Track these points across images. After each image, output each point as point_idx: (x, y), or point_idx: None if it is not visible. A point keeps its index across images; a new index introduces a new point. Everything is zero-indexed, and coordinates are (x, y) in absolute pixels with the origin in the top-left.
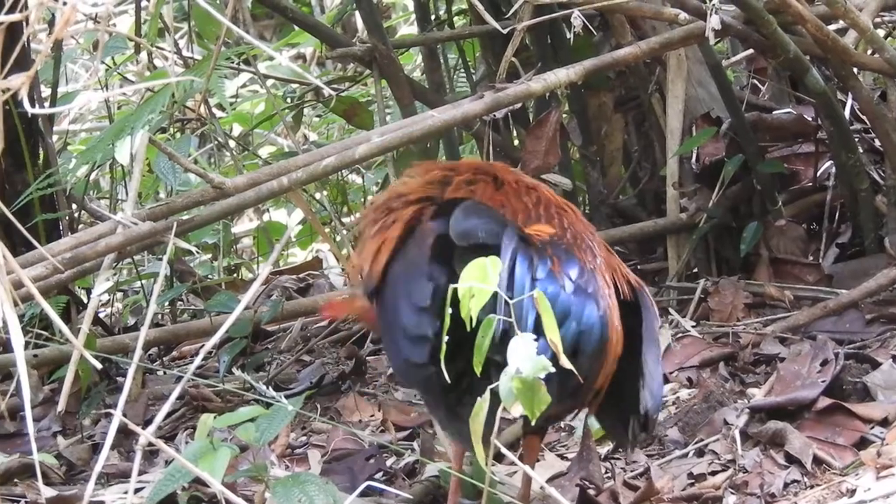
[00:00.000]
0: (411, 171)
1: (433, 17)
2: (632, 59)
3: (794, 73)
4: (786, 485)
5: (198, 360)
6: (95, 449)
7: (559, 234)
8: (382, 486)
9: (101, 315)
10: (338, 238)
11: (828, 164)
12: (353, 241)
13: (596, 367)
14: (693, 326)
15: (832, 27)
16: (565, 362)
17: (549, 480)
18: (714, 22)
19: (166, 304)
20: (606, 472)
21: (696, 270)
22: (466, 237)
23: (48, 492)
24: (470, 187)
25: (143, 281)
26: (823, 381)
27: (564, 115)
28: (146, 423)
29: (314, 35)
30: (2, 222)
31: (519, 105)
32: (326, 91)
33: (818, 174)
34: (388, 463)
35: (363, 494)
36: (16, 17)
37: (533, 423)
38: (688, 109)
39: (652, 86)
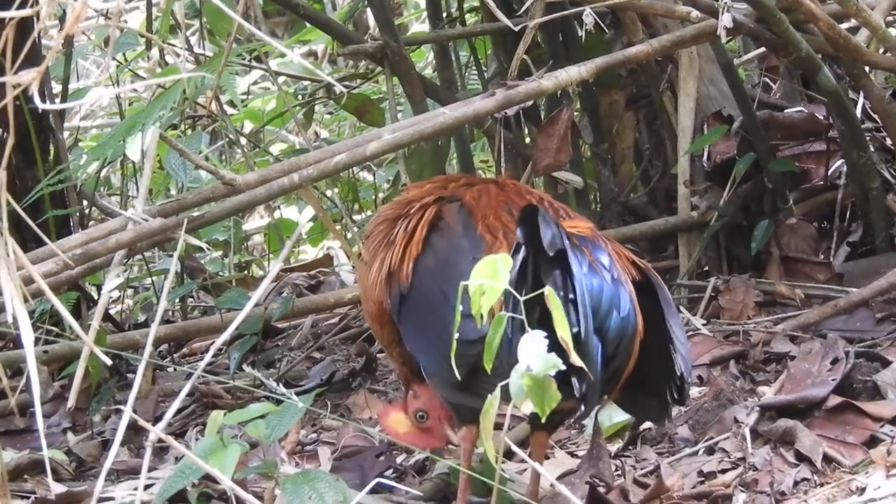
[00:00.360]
0: (408, 188)
1: (445, 14)
2: (643, 56)
3: (805, 72)
4: (796, 483)
5: (208, 357)
6: (105, 445)
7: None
8: (392, 483)
9: (112, 312)
10: (348, 235)
11: (839, 162)
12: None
13: (629, 354)
14: (704, 325)
15: (844, 25)
16: (576, 360)
17: (560, 478)
18: (726, 20)
19: (177, 300)
20: (616, 470)
21: (706, 269)
22: (553, 246)
23: (58, 488)
24: (473, 188)
25: (154, 277)
26: (834, 380)
27: (576, 113)
28: (156, 420)
29: (326, 32)
30: (12, 218)
31: (530, 103)
32: (338, 88)
33: (829, 173)
34: (399, 460)
35: (373, 491)
36: (26, 12)
37: (543, 421)
38: (699, 107)
39: (663, 84)
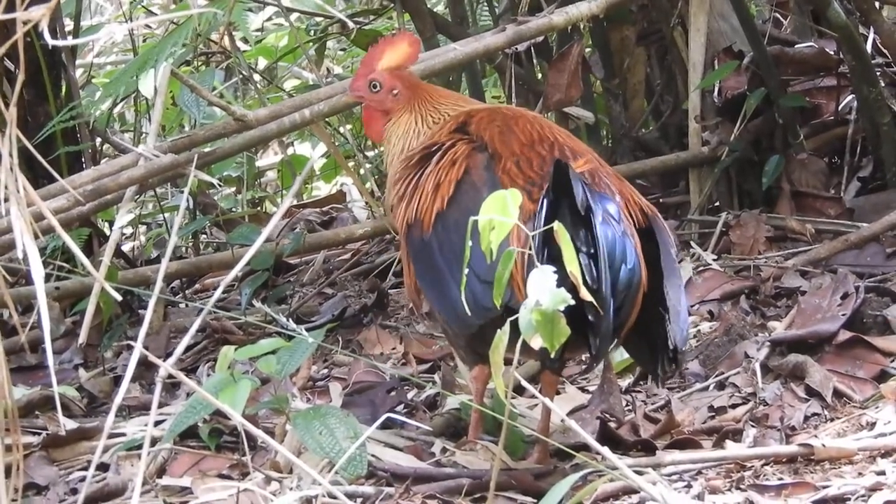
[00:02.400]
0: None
1: None
2: None
3: (815, 7)
4: (806, 418)
5: (218, 293)
6: (117, 381)
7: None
8: (403, 418)
9: (125, 248)
10: (361, 171)
11: (849, 97)
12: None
13: (633, 305)
14: (714, 260)
15: None
16: (585, 295)
17: (570, 413)
18: None
19: (189, 236)
20: (627, 405)
21: (717, 204)
22: (583, 205)
23: (69, 424)
24: (495, 124)
25: (166, 214)
26: (844, 315)
27: (587, 49)
28: (167, 356)
29: None
30: (23, 154)
31: (541, 38)
32: (349, 24)
33: (840, 108)
34: (409, 396)
35: (384, 426)
36: None
37: (553, 356)
38: (710, 43)
39: (674, 19)
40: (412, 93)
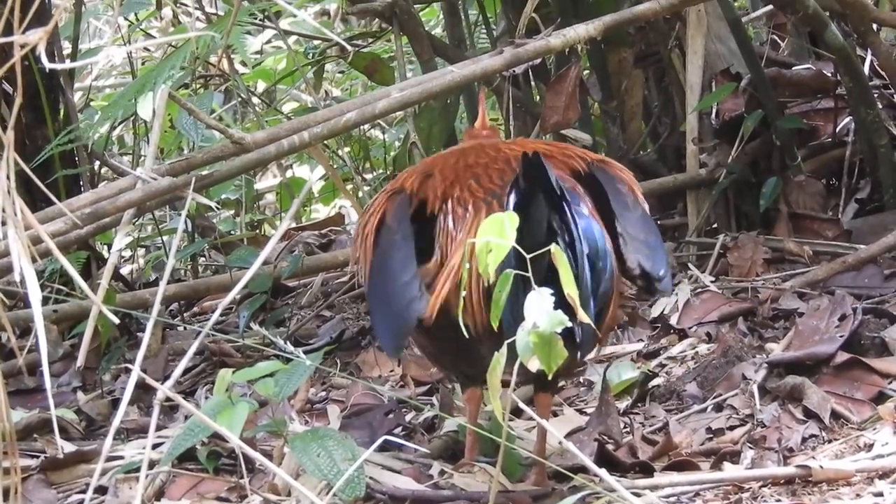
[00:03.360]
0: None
1: None
2: (651, 14)
3: (813, 29)
4: (804, 439)
5: (216, 315)
6: (115, 404)
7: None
8: (401, 440)
9: (123, 271)
10: (359, 194)
11: (847, 119)
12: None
13: (610, 295)
14: (712, 281)
15: None
16: (583, 317)
17: (568, 435)
18: None
19: (187, 259)
20: (625, 427)
21: (715, 226)
22: (559, 186)
23: (67, 447)
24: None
25: (165, 237)
26: (842, 336)
27: (584, 71)
28: (165, 379)
29: None
30: (21, 178)
31: (539, 60)
32: (347, 47)
33: (837, 130)
34: (408, 418)
35: (382, 449)
36: None
37: (549, 377)
38: (707, 65)
39: (672, 41)
40: None
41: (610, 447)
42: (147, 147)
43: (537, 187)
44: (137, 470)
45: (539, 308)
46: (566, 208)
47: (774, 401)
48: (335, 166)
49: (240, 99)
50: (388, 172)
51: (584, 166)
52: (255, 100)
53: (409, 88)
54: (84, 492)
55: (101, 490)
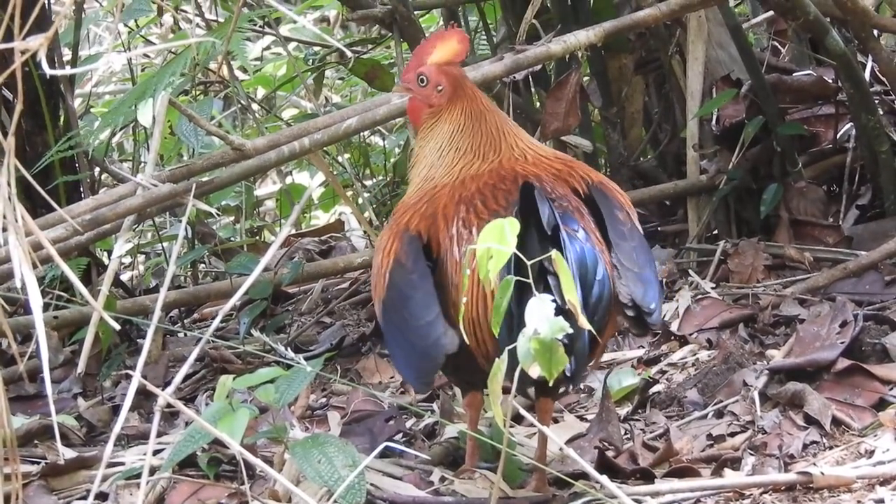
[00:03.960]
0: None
1: None
2: (652, 20)
3: (814, 35)
4: (804, 446)
5: (216, 322)
6: (115, 410)
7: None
8: (402, 447)
9: (124, 277)
10: (360, 200)
11: (848, 125)
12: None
13: (606, 317)
14: (713, 288)
15: None
16: (584, 323)
17: (569, 442)
18: None
19: (188, 265)
20: (625, 434)
21: (716, 232)
22: (550, 224)
23: (68, 453)
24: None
25: (165, 243)
26: (842, 343)
27: (585, 77)
28: (166, 385)
29: None
30: (22, 184)
31: (539, 67)
32: (347, 53)
33: (838, 136)
34: (408, 424)
35: (382, 455)
36: None
37: (550, 384)
38: (708, 71)
39: (672, 48)
40: (454, 91)
41: (610, 454)
42: (147, 153)
43: (531, 220)
44: (138, 476)
45: (540, 315)
46: (561, 238)
47: (775, 407)
48: (335, 173)
49: (239, 105)
50: (389, 179)
51: (585, 188)
52: (254, 106)
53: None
54: (85, 498)
55: (102, 496)
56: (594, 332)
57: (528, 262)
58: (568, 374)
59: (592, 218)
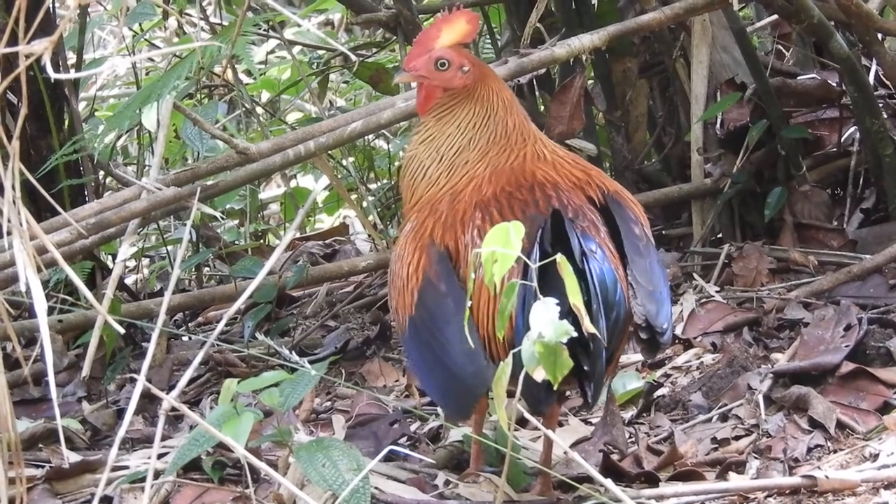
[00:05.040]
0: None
1: None
2: (656, 24)
3: (818, 39)
4: (809, 449)
5: (221, 325)
6: (120, 414)
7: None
8: (406, 450)
9: (128, 281)
10: (364, 204)
11: (852, 129)
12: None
13: (622, 336)
14: (717, 291)
15: None
16: (589, 327)
17: (573, 445)
18: None
19: (192, 269)
20: (630, 437)
21: (720, 236)
22: (579, 254)
23: (73, 457)
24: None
25: (169, 246)
26: (847, 346)
27: (589, 81)
28: (170, 389)
29: (339, 1)
30: (26, 188)
31: (543, 70)
32: (352, 57)
33: (842, 139)
34: (413, 428)
35: (387, 459)
36: None
37: (555, 388)
38: (712, 75)
39: (676, 51)
40: (482, 72)
41: (615, 457)
42: (151, 157)
43: (558, 248)
44: (143, 480)
45: (544, 318)
46: (587, 267)
47: (780, 411)
48: (339, 176)
49: (244, 109)
50: (393, 182)
51: (601, 197)
52: (258, 110)
53: (414, 98)
54: (89, 502)
55: (107, 500)
56: (608, 345)
57: (534, 266)
58: (589, 401)
59: (606, 228)
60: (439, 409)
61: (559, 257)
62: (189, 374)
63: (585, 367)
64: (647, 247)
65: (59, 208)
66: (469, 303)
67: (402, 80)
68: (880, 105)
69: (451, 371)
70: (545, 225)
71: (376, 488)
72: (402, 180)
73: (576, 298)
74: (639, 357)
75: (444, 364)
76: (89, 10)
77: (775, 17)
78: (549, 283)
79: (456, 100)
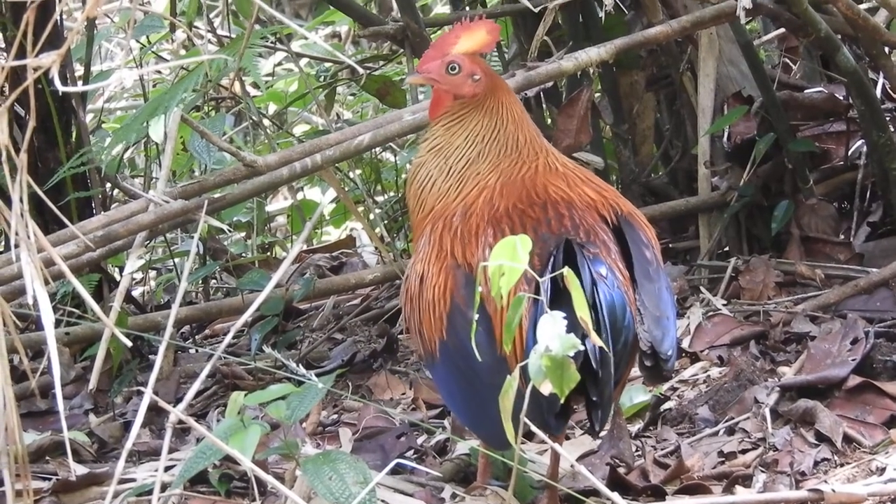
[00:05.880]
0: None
1: None
2: (663, 37)
3: (825, 52)
4: (816, 463)
5: (228, 338)
6: (127, 427)
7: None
8: (413, 463)
9: (135, 293)
10: (371, 216)
11: (859, 142)
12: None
13: (630, 359)
14: (724, 305)
15: (863, 6)
16: (596, 340)
17: (580, 458)
18: (745, 1)
19: (199, 282)
20: (637, 451)
21: (727, 249)
22: (588, 282)
23: (79, 469)
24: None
25: (176, 259)
26: (854, 360)
27: (596, 94)
28: (177, 401)
29: (347, 14)
30: (34, 200)
31: (551, 83)
32: (359, 70)
33: (849, 153)
34: (419, 441)
35: (394, 472)
36: None
37: (562, 401)
38: (719, 88)
39: (683, 64)
40: (493, 83)
41: (622, 470)
42: (159, 169)
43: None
44: (150, 492)
45: (551, 331)
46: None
47: (786, 424)
48: (346, 189)
49: (251, 121)
50: (400, 195)
51: (614, 218)
52: (265, 122)
53: (421, 112)
54: None
55: None
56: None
57: (542, 280)
58: (595, 429)
59: (618, 247)
60: (446, 423)
61: (566, 270)
62: (196, 386)
63: (594, 398)
64: (657, 271)
65: (66, 221)
66: (476, 316)
67: (413, 82)
68: (887, 118)
69: (485, 399)
70: (556, 253)
71: (383, 501)
72: (409, 187)
73: (583, 312)
74: None
75: (478, 391)
76: (97, 22)
77: (782, 30)
78: (561, 308)
79: (465, 109)
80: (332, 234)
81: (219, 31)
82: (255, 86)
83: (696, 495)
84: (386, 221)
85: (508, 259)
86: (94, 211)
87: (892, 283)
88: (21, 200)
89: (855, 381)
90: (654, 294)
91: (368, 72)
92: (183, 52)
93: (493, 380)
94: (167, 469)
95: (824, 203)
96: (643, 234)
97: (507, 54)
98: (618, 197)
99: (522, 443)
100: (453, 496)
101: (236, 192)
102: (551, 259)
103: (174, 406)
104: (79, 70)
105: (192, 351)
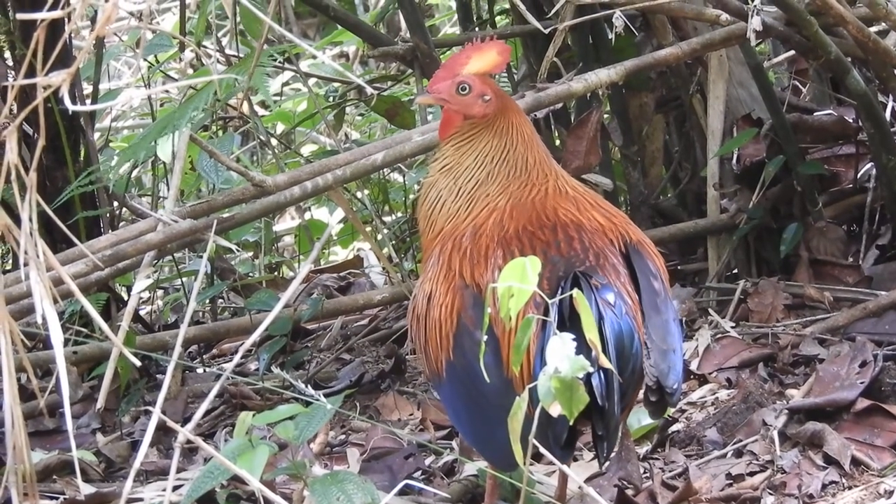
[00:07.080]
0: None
1: (475, 16)
2: (673, 59)
3: (835, 75)
4: (824, 486)
5: (237, 358)
6: (134, 446)
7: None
8: (421, 484)
9: (142, 313)
10: (379, 237)
11: (868, 165)
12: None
13: (637, 386)
14: (733, 327)
15: (873, 29)
16: (604, 362)
17: (588, 480)
18: (755, 23)
19: (207, 301)
20: (645, 472)
21: (735, 271)
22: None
23: (87, 488)
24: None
25: (184, 279)
26: (862, 383)
27: (605, 116)
28: (185, 421)
29: (356, 34)
30: (42, 219)
31: (560, 105)
32: (368, 90)
33: (859, 176)
34: (427, 462)
35: (402, 493)
36: (57, 13)
37: (571, 423)
38: (729, 110)
39: (693, 86)
40: (503, 104)
41: (630, 492)
42: (167, 189)
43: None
44: None
45: (560, 353)
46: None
47: (795, 447)
48: (354, 209)
49: (259, 141)
50: (408, 215)
51: (622, 246)
52: (273, 142)
53: (431, 132)
54: None
55: None
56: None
57: (551, 301)
58: (601, 461)
59: (627, 271)
60: (454, 443)
61: (576, 293)
62: (204, 406)
63: (600, 433)
64: (664, 302)
65: (75, 240)
66: (485, 337)
67: (423, 102)
68: None
69: (492, 420)
70: (564, 285)
71: None
72: (420, 207)
73: (592, 334)
74: None
75: (486, 413)
76: (105, 41)
77: (792, 52)
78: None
79: (475, 130)
80: (340, 255)
81: (227, 51)
82: (264, 105)
83: None
84: (394, 242)
85: (518, 281)
86: (103, 230)
87: None
88: (30, 219)
89: (863, 403)
90: (661, 327)
91: (378, 92)
92: (191, 71)
93: (500, 401)
94: (175, 489)
95: (833, 226)
96: (652, 264)
97: (517, 75)
98: (627, 224)
99: (530, 464)
100: None
101: (245, 212)
102: (560, 289)
103: (182, 426)
104: (87, 89)
105: (200, 371)
